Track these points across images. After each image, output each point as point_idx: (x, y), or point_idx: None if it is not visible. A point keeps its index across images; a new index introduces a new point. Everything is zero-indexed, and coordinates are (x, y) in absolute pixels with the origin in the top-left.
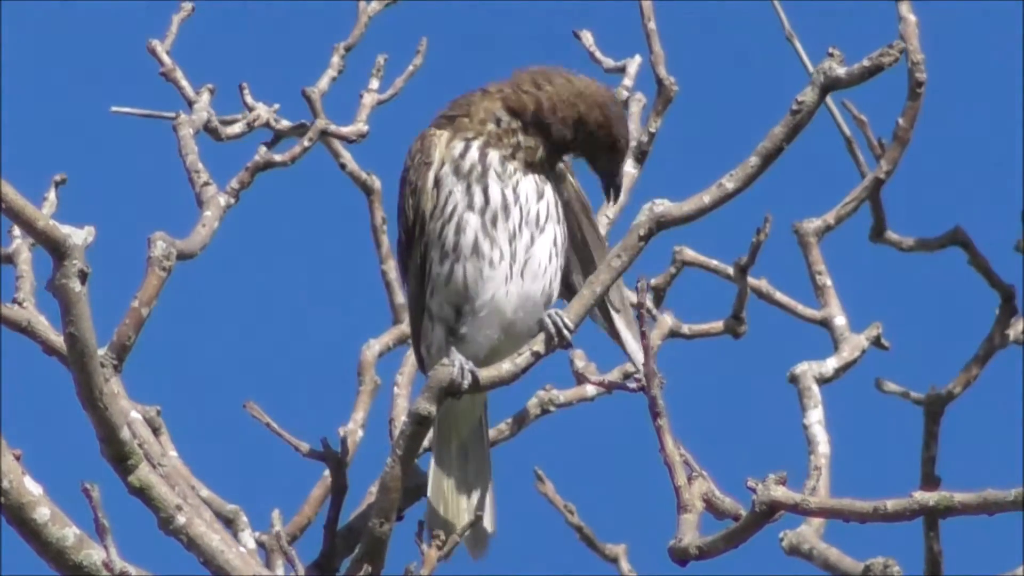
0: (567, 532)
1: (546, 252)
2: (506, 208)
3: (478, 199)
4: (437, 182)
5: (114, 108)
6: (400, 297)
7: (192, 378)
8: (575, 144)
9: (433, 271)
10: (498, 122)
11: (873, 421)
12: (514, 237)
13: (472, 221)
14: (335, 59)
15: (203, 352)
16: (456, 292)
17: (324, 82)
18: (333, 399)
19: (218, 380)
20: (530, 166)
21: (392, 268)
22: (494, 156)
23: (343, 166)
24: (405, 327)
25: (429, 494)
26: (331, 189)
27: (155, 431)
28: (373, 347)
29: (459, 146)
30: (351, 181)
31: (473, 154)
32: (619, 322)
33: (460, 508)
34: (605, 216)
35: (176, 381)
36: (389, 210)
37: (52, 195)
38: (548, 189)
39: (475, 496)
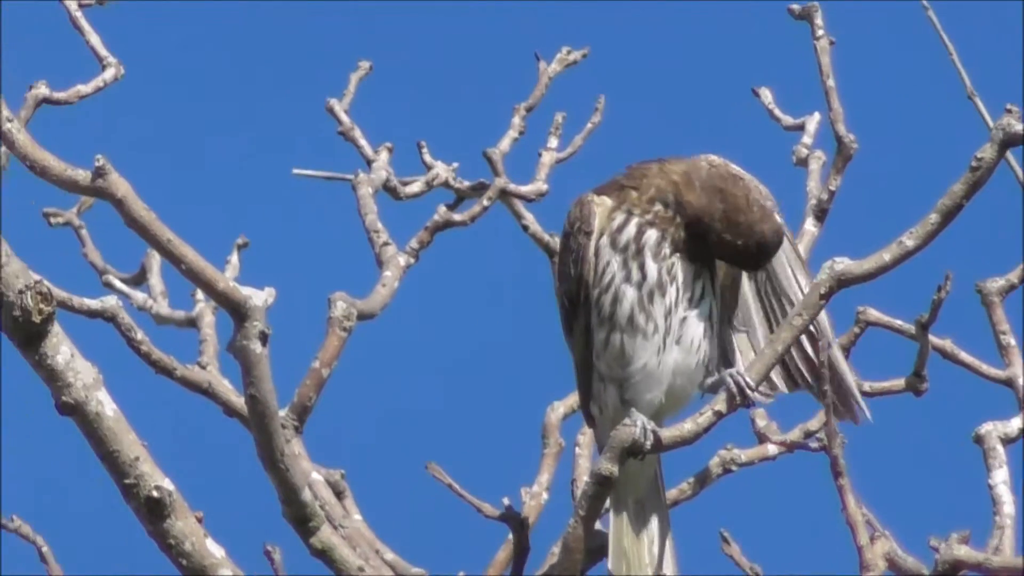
0: None
1: (700, 328)
2: (662, 285)
3: (635, 274)
4: (596, 251)
5: (295, 170)
6: None
7: (373, 439)
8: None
9: (595, 336)
10: (666, 205)
11: None
12: (670, 312)
13: (629, 294)
14: (515, 120)
15: (384, 413)
16: (614, 358)
17: (505, 143)
18: (516, 461)
19: (400, 441)
20: (683, 252)
21: None
22: (651, 235)
23: (525, 227)
24: None
25: (610, 554)
26: (512, 249)
27: (339, 495)
28: (557, 409)
29: (619, 218)
30: (533, 242)
31: (631, 230)
32: (836, 355)
33: (643, 565)
34: None
35: (357, 442)
36: None
37: (235, 258)
38: (704, 270)
39: (656, 552)
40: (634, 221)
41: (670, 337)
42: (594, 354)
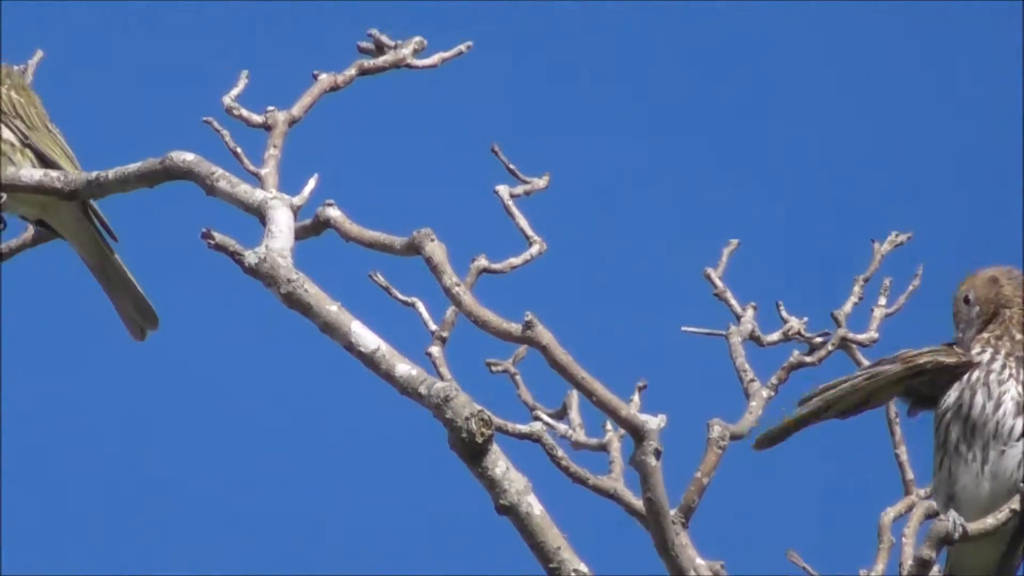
0: None
1: (1014, 463)
2: (983, 421)
3: (964, 409)
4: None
5: (684, 328)
6: (910, 474)
7: (747, 534)
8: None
9: (934, 456)
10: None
11: None
12: (986, 446)
13: (956, 429)
14: (855, 288)
15: (755, 513)
16: (944, 479)
17: (847, 306)
18: (856, 555)
19: (769, 536)
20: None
21: (903, 452)
22: (997, 364)
23: (859, 363)
24: (914, 497)
25: None
26: None
27: None
28: (889, 513)
29: (974, 349)
30: None
31: (983, 357)
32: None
33: None
34: None
35: (735, 537)
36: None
37: (636, 397)
38: None
39: None
40: (987, 352)
41: (987, 466)
42: (933, 471)
